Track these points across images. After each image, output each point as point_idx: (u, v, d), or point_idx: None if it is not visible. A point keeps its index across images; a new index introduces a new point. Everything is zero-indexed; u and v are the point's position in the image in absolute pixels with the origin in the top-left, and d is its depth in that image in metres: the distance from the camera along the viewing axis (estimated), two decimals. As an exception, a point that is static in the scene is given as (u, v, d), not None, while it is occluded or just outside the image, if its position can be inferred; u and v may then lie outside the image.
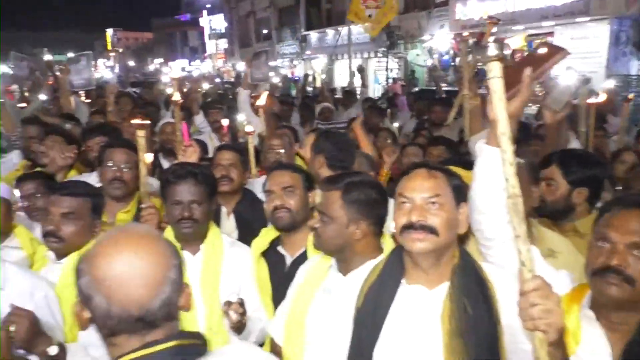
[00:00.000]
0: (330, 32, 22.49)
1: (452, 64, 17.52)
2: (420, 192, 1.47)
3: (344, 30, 16.64)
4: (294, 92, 13.30)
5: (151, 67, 20.13)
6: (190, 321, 2.10)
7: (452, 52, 17.18)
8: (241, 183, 2.93)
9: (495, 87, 1.28)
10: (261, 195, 2.95)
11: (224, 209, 2.83)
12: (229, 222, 2.80)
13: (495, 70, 1.27)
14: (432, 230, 1.43)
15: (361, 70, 9.24)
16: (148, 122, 2.61)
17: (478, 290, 1.42)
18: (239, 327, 1.93)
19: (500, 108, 1.28)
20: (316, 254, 2.02)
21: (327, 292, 1.84)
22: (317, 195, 2.26)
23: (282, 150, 3.24)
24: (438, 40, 17.69)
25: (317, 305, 1.85)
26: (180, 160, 2.77)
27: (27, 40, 58.04)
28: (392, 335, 1.49)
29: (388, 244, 1.88)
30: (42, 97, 5.23)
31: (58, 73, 5.01)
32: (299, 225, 2.25)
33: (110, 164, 2.70)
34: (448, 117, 4.76)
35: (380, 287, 1.53)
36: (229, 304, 1.91)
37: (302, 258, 2.19)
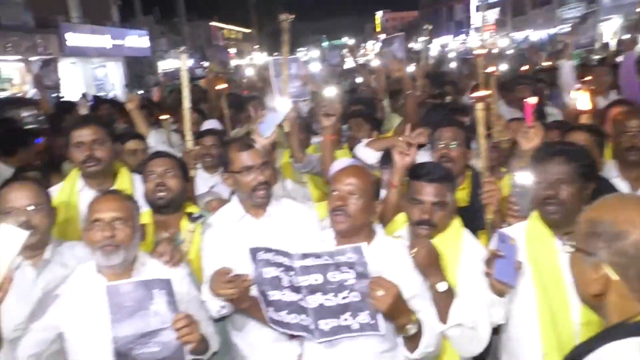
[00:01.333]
0: (632, -15, 18.94)
1: None
2: None
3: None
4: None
5: (416, 46, 20.37)
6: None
7: None
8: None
9: None
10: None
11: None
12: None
13: None
14: None
15: None
16: (488, 92, 2.54)
17: None
18: None
19: None
20: None
21: None
22: None
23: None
24: None
25: None
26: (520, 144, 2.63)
27: (309, 29, 66.02)
28: None
29: None
30: (359, 79, 5.72)
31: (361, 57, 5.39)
32: None
33: (441, 144, 2.74)
34: None
35: None
36: None
37: None
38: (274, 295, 1.85)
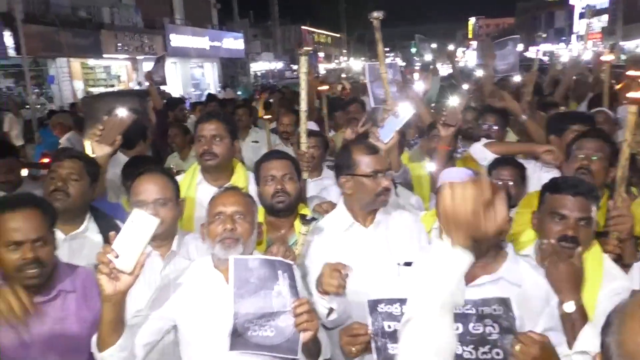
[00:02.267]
0: None
1: None
2: None
3: None
4: None
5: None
6: None
7: None
8: None
9: None
10: None
11: None
12: None
13: None
14: None
15: None
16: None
17: None
18: None
19: None
20: None
21: None
22: None
23: None
24: None
25: None
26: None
27: (399, 34, 65.35)
28: None
29: None
30: (465, 86, 5.49)
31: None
32: None
33: (581, 155, 2.51)
34: None
35: None
36: None
37: None
38: (396, 348, 1.66)
